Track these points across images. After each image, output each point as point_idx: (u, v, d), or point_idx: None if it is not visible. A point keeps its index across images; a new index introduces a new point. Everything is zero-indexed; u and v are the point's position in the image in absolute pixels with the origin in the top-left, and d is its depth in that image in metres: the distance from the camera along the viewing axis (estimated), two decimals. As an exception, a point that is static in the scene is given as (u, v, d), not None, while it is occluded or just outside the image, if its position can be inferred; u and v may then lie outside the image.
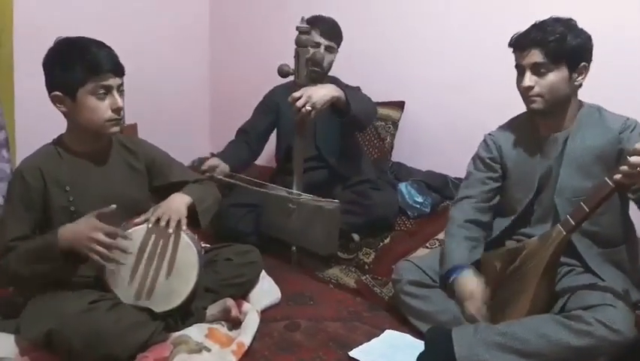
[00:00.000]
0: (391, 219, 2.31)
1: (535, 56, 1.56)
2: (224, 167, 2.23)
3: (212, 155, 3.39)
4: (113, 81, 1.50)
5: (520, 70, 1.62)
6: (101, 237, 1.44)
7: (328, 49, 2.28)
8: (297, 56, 2.02)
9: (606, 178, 1.40)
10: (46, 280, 1.50)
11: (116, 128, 1.54)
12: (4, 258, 1.48)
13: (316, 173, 2.28)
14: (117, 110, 1.51)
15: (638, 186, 1.50)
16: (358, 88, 2.33)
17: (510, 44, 1.64)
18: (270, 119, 2.45)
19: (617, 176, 1.35)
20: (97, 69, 1.47)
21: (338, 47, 2.34)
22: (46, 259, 1.46)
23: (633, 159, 1.29)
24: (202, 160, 3.30)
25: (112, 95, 1.51)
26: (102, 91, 1.49)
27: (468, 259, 1.70)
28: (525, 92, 1.61)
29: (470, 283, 1.64)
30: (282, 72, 2.07)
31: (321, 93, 1.98)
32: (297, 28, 2.00)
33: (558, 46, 1.55)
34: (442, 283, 1.75)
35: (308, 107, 1.95)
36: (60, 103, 1.51)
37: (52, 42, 1.52)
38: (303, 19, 2.01)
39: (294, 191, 2.11)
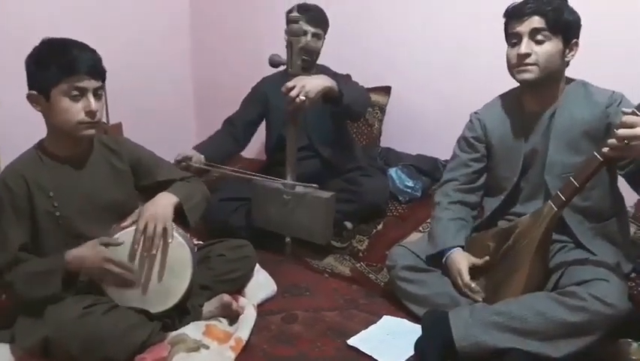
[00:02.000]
0: (383, 205, 2.32)
1: (536, 22, 1.56)
2: (198, 157, 2.19)
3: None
4: (88, 83, 1.47)
5: (516, 38, 1.59)
6: (115, 269, 1.50)
7: (316, 36, 2.26)
8: (289, 46, 2.00)
9: (595, 152, 1.40)
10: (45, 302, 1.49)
11: (89, 132, 1.51)
12: (13, 272, 1.47)
13: (307, 162, 2.28)
14: (90, 114, 1.48)
15: (627, 160, 1.51)
16: (349, 76, 2.32)
17: (506, 14, 1.63)
18: (258, 111, 2.43)
19: (606, 149, 1.35)
20: (71, 70, 1.44)
21: (325, 33, 2.32)
22: (52, 283, 1.46)
23: (621, 131, 1.29)
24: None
25: (86, 98, 1.47)
26: (75, 92, 1.46)
27: (455, 241, 1.72)
28: (520, 60, 1.58)
29: (456, 260, 1.68)
30: (274, 62, 2.06)
31: (314, 83, 1.98)
32: (289, 17, 1.98)
33: (556, 15, 1.55)
34: (429, 262, 1.77)
35: (302, 97, 1.94)
36: (35, 102, 1.49)
37: (29, 45, 1.50)
38: (294, 8, 1.99)
39: (288, 181, 2.10)
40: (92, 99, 1.48)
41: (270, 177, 2.12)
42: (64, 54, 1.45)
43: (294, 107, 1.98)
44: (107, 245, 1.50)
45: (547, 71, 1.58)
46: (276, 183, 2.13)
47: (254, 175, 2.15)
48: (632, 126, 1.28)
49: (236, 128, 2.41)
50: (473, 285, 1.64)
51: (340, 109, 2.12)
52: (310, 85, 1.96)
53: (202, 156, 2.21)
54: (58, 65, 1.44)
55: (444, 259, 1.73)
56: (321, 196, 2.05)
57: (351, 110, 2.16)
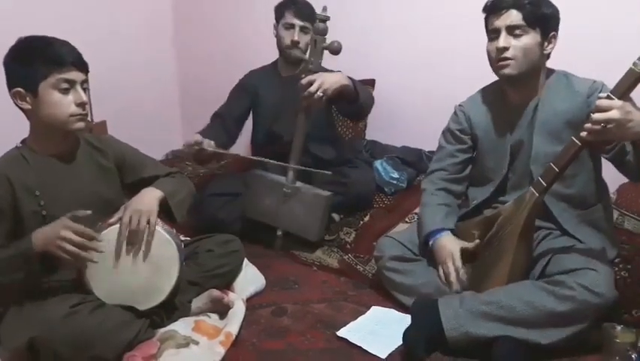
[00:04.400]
0: (369, 196, 2.33)
1: (513, 16, 1.57)
2: (209, 142, 2.12)
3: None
4: (76, 75, 1.47)
5: (495, 33, 1.61)
6: (72, 235, 1.41)
7: (303, 30, 2.26)
8: (313, 43, 2.03)
9: (573, 137, 1.43)
10: (21, 288, 1.47)
11: (80, 124, 1.50)
12: None
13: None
14: (81, 105, 1.48)
15: (611, 145, 1.52)
16: (339, 72, 2.32)
17: (485, 9, 1.65)
18: (246, 104, 2.42)
19: (583, 133, 1.37)
20: (59, 62, 1.44)
21: (313, 26, 2.32)
22: (22, 266, 1.43)
23: (596, 115, 1.32)
24: (175, 153, 3.28)
25: (75, 90, 1.47)
26: (65, 85, 1.45)
27: (444, 224, 1.73)
28: (498, 54, 1.60)
29: (448, 244, 1.67)
30: (294, 59, 2.10)
31: (333, 80, 2.00)
32: (317, 16, 2.01)
33: (533, 9, 1.57)
34: (421, 251, 1.78)
35: (320, 93, 1.96)
36: (22, 100, 1.47)
37: (7, 43, 1.48)
38: (324, 8, 2.02)
39: (288, 165, 2.10)
40: (81, 91, 1.48)
41: (284, 164, 2.12)
42: (49, 48, 1.45)
43: (311, 102, 1.99)
44: (75, 219, 1.45)
45: (526, 64, 1.59)
46: (278, 177, 2.15)
47: (268, 161, 2.12)
48: (607, 110, 1.30)
49: (227, 122, 2.38)
50: (462, 271, 1.63)
51: (353, 107, 2.14)
52: (329, 82, 1.98)
53: (212, 142, 2.14)
54: (44, 59, 1.44)
55: (431, 243, 1.72)
56: (321, 194, 2.08)
57: (362, 108, 2.19)
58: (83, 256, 1.44)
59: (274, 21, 2.34)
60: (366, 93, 2.20)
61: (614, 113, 1.29)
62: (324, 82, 1.97)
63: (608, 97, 1.32)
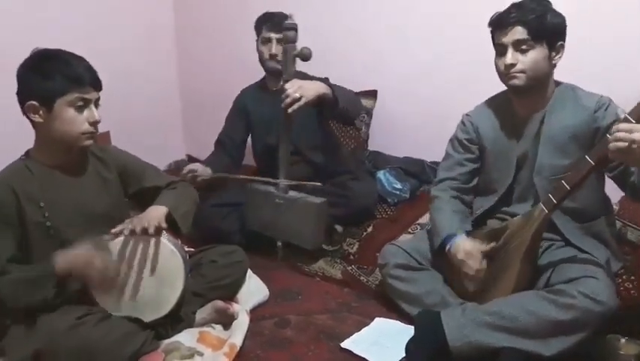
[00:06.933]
0: (372, 207, 2.34)
1: (518, 33, 1.57)
2: (203, 169, 2.22)
3: (189, 157, 3.40)
4: (93, 95, 1.50)
5: (502, 49, 1.62)
6: (100, 265, 1.45)
7: (280, 42, 2.28)
8: (284, 53, 2.05)
9: (586, 156, 1.41)
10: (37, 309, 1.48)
11: (89, 142, 1.53)
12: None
13: (297, 168, 2.29)
14: (94, 124, 1.51)
15: (616, 162, 1.52)
16: (326, 79, 2.34)
17: (490, 24, 1.65)
18: (243, 126, 2.49)
19: (611, 146, 1.28)
20: (79, 81, 1.46)
21: None
22: (42, 288, 1.44)
23: (620, 134, 1.26)
24: (178, 163, 3.30)
25: (89, 108, 1.49)
26: (81, 103, 1.48)
27: (460, 228, 1.72)
28: (507, 70, 1.60)
29: (466, 244, 1.66)
30: (270, 69, 2.13)
31: (311, 87, 2.04)
32: (284, 25, 2.03)
33: (539, 23, 1.56)
34: (434, 257, 1.77)
35: (297, 95, 1.98)
36: (34, 113, 1.47)
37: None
38: (290, 16, 2.04)
39: (281, 180, 2.12)
40: (94, 110, 1.50)
41: (273, 180, 2.14)
42: (69, 65, 1.47)
43: (290, 102, 1.99)
44: (98, 245, 1.48)
45: (535, 77, 1.60)
46: (269, 187, 2.16)
47: (263, 180, 2.16)
48: (629, 131, 1.25)
49: (228, 148, 2.47)
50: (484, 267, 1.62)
51: (336, 113, 2.17)
52: (307, 87, 2.02)
53: (208, 169, 2.21)
54: (65, 76, 1.45)
55: (448, 247, 1.70)
56: (312, 201, 2.07)
57: (345, 114, 2.21)
58: (114, 287, 1.51)
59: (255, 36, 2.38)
60: (349, 98, 2.21)
61: (636, 136, 1.24)
62: (301, 86, 2.00)
63: (625, 119, 1.29)
